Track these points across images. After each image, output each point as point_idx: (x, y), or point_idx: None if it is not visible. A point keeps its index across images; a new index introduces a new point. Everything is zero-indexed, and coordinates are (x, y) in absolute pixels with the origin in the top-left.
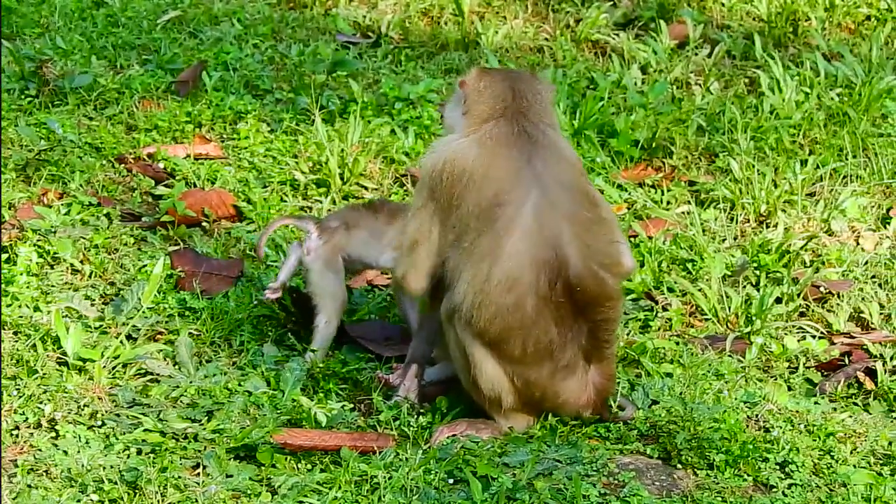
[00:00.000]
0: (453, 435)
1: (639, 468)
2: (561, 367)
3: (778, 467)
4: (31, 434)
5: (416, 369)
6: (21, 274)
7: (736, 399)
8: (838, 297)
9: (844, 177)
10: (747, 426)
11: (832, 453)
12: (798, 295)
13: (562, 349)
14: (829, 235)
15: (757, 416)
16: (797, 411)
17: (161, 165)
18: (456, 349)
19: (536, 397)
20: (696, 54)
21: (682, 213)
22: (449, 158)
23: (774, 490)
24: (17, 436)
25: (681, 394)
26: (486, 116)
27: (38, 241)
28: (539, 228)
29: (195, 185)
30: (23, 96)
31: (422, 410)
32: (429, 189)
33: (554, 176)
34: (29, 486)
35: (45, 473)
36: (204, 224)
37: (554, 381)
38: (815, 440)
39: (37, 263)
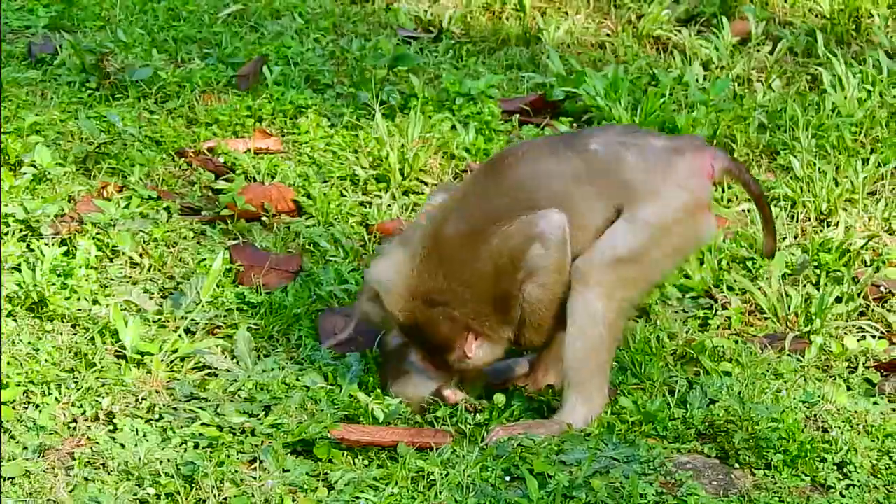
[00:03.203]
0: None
1: (696, 467)
2: None
3: (836, 468)
4: (89, 427)
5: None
6: (80, 267)
7: (794, 399)
8: None
9: None
10: (805, 426)
11: (891, 454)
12: (858, 294)
13: None
14: (891, 235)
15: (815, 416)
16: (856, 412)
17: (221, 159)
18: (597, 323)
19: None
20: (758, 51)
21: (743, 210)
22: None
23: (832, 490)
24: (74, 429)
25: (739, 393)
26: None
27: (97, 234)
28: None
29: (255, 180)
30: (83, 89)
31: (479, 407)
32: None
33: None
34: (86, 478)
35: (101, 466)
36: (263, 219)
37: None
38: (873, 441)
39: (96, 257)
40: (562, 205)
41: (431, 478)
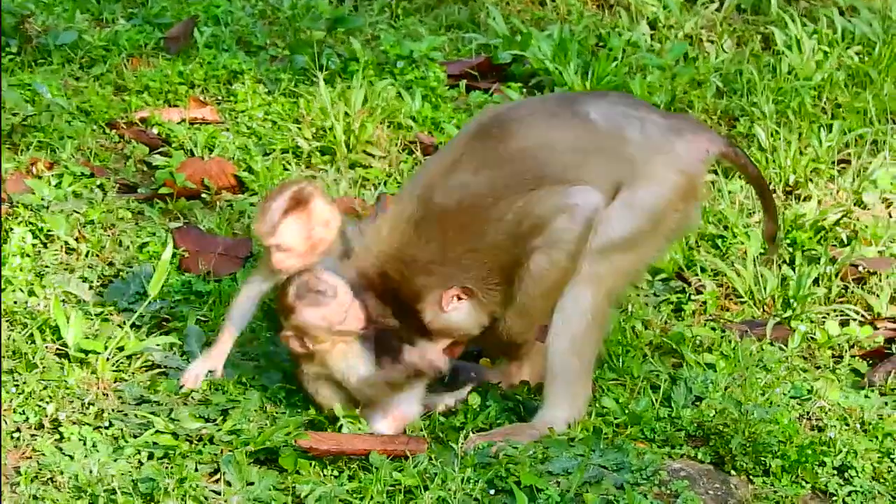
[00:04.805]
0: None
1: (691, 475)
2: None
3: (836, 472)
4: (34, 437)
5: None
6: (14, 255)
7: (784, 394)
8: (878, 276)
9: (873, 142)
10: (800, 424)
11: (892, 456)
12: (836, 275)
13: None
14: (862, 208)
15: (808, 413)
16: (849, 408)
17: (155, 131)
18: (585, 314)
19: None
20: (706, 8)
21: (706, 183)
22: None
23: (834, 498)
24: (18, 438)
25: (726, 388)
26: None
27: (29, 217)
28: None
29: (192, 153)
30: (3, 54)
31: (453, 409)
32: None
33: None
34: (34, 496)
35: (50, 481)
36: (204, 196)
37: None
38: (871, 441)
39: (31, 244)
40: (573, 178)
41: (409, 491)
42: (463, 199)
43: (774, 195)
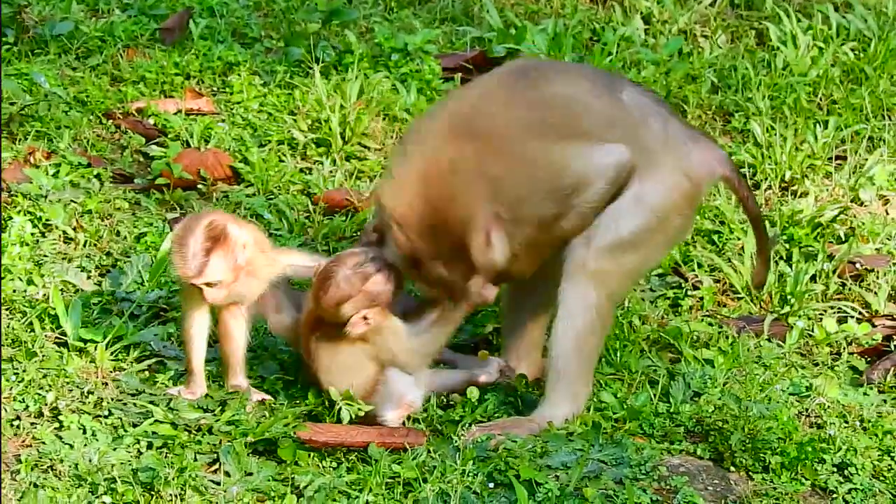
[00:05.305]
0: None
1: (690, 471)
2: None
3: (836, 469)
4: (34, 425)
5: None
6: (14, 244)
7: (783, 391)
8: (876, 273)
9: (869, 138)
10: (799, 421)
11: (892, 453)
12: (833, 272)
13: None
14: (858, 205)
15: (807, 410)
16: (849, 405)
17: (151, 121)
18: (589, 311)
19: None
20: (700, 3)
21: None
22: None
23: (834, 495)
24: (18, 427)
25: (725, 384)
26: None
27: (28, 206)
28: None
29: (188, 144)
30: (1, 44)
31: (451, 402)
32: None
33: None
34: (35, 484)
35: (50, 469)
36: (200, 187)
37: None
38: (871, 438)
39: (30, 233)
40: (596, 142)
41: (408, 484)
42: (492, 129)
43: (770, 191)
